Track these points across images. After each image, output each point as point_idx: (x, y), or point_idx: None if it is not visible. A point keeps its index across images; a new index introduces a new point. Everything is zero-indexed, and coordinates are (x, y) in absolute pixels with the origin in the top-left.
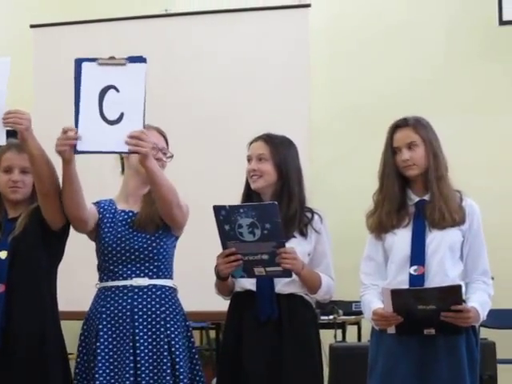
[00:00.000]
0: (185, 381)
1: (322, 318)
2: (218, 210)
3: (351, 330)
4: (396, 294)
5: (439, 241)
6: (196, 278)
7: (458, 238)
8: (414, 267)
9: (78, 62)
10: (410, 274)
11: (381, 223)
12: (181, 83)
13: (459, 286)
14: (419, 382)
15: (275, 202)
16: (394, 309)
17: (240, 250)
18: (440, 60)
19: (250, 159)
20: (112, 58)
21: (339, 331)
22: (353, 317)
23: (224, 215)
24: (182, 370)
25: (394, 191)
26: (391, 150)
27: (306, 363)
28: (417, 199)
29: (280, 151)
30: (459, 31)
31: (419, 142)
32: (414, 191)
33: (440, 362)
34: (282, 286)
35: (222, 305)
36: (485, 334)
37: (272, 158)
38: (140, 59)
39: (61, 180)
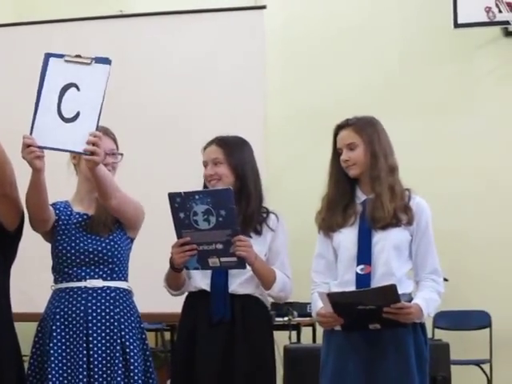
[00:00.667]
0: (139, 382)
1: (277, 319)
2: (172, 197)
3: (306, 332)
4: (332, 298)
5: (385, 240)
6: (151, 280)
7: (404, 238)
8: (361, 266)
9: (47, 57)
10: (357, 274)
11: (327, 222)
12: (136, 84)
13: (393, 286)
14: (368, 379)
15: (230, 188)
16: (335, 311)
17: (195, 240)
18: (395, 62)
19: (205, 165)
20: (78, 56)
21: (294, 333)
22: (308, 318)
23: (179, 202)
24: (136, 371)
25: (339, 191)
26: (335, 151)
27: (258, 365)
28: (364, 198)
29: (234, 153)
30: (414, 34)
31: (359, 142)
32: (362, 190)
33: (388, 359)
34: (237, 286)
35: (177, 306)
36: (439, 335)
37: (227, 161)
38: (105, 60)
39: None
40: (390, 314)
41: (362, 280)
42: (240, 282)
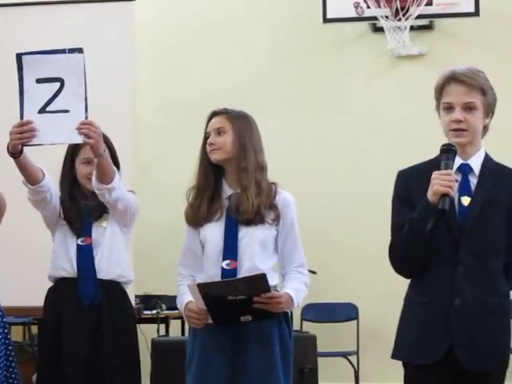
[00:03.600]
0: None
1: (145, 312)
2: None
3: (175, 325)
4: (203, 289)
5: (250, 236)
6: (18, 274)
7: (270, 233)
8: (227, 261)
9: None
10: (223, 268)
11: (197, 216)
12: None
13: (263, 275)
14: (232, 374)
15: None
16: (206, 303)
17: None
18: (266, 58)
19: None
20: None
21: (162, 326)
22: (176, 311)
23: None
24: None
25: (207, 182)
26: (205, 137)
27: (124, 353)
28: (230, 192)
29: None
30: (285, 29)
31: (228, 128)
32: (228, 184)
33: (252, 353)
34: (103, 271)
35: (41, 300)
36: (306, 327)
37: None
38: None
39: None
40: (260, 304)
41: (228, 275)
42: (106, 268)
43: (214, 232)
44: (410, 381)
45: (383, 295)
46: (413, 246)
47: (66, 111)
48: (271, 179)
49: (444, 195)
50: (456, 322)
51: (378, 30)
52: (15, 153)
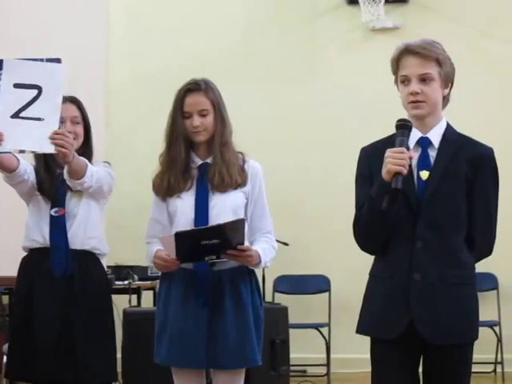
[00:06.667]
0: None
1: (117, 283)
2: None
3: (146, 295)
4: (180, 237)
5: (222, 204)
6: None
7: (241, 201)
8: None
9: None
10: None
11: (167, 187)
12: None
13: (243, 220)
14: (208, 342)
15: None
16: (178, 251)
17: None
18: (239, 29)
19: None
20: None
21: (134, 296)
22: (148, 282)
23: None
24: None
25: (181, 155)
26: (181, 114)
27: (98, 323)
28: (200, 162)
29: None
30: (259, 0)
31: (210, 108)
32: (197, 154)
33: (228, 323)
34: (77, 241)
35: (15, 270)
36: (279, 299)
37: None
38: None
39: None
40: (231, 256)
41: None
42: (81, 239)
43: (185, 202)
44: (375, 354)
45: (355, 268)
46: (371, 223)
47: (40, 119)
48: (242, 150)
49: (396, 173)
50: (416, 297)
51: (353, 2)
52: None
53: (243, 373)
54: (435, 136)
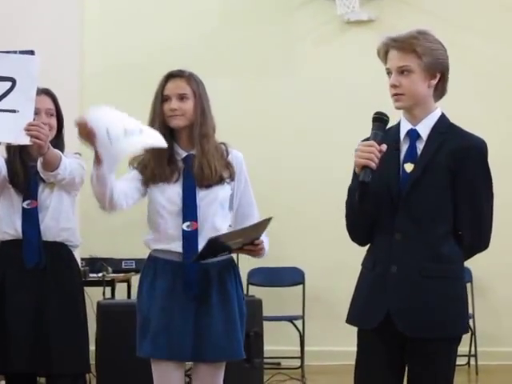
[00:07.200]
0: None
1: (91, 275)
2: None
3: (120, 288)
4: (213, 242)
5: (211, 197)
6: None
7: (227, 193)
8: (187, 223)
9: None
10: (184, 230)
11: (151, 174)
12: None
13: (270, 218)
14: (195, 335)
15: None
16: (202, 252)
17: None
18: (214, 21)
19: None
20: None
21: (108, 289)
22: (122, 274)
23: None
24: None
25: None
26: (161, 98)
27: (70, 314)
28: (184, 154)
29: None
30: None
31: (190, 94)
32: (180, 146)
33: (215, 316)
34: (52, 236)
35: None
36: (252, 291)
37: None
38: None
39: None
40: (246, 251)
41: (189, 236)
42: (54, 232)
43: (172, 194)
44: (360, 344)
45: (329, 260)
46: (350, 215)
47: (15, 111)
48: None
49: (364, 167)
50: (392, 289)
51: None
52: None
53: (224, 366)
54: (424, 128)
